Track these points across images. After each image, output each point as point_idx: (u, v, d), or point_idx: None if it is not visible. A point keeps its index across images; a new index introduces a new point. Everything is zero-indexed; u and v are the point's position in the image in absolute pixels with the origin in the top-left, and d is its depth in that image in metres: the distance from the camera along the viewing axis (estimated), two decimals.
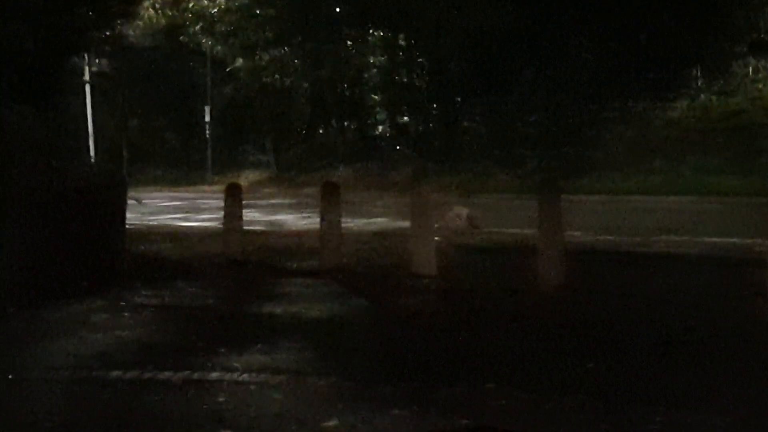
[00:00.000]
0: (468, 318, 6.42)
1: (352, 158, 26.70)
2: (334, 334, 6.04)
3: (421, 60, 27.72)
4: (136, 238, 10.33)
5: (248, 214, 10.62)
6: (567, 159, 19.66)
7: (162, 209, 17.42)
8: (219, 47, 29.43)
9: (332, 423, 3.98)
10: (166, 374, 4.80)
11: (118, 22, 17.95)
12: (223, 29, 29.08)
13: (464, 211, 12.09)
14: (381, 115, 29.48)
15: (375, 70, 28.52)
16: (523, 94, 22.20)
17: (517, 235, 10.16)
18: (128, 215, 9.38)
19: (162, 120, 31.76)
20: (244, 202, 9.82)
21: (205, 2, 29.21)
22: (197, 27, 29.55)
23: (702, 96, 23.64)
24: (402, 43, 28.12)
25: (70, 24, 12.47)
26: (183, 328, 6.27)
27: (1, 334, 6.11)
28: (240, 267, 8.98)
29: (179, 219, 15.40)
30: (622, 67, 20.28)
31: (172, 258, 9.62)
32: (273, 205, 18.20)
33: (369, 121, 29.51)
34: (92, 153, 26.96)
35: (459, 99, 26.04)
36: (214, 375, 4.79)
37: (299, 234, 11.49)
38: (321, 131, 30.59)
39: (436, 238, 8.57)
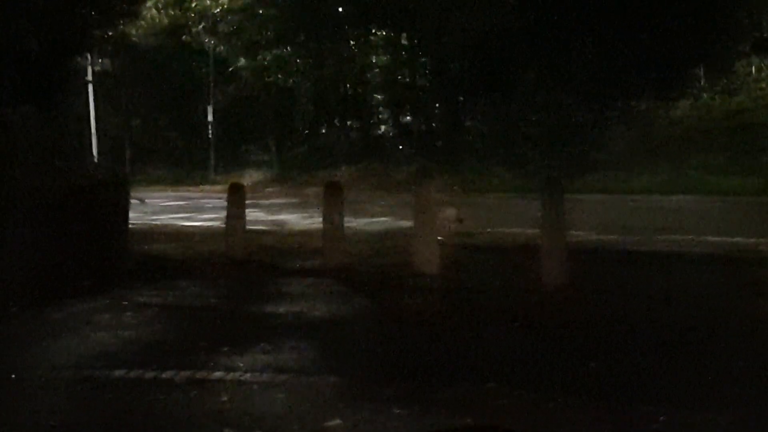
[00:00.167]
0: (470, 317, 6.43)
1: (355, 158, 26.66)
2: (336, 333, 6.04)
3: (423, 59, 27.73)
4: (139, 237, 10.33)
5: (251, 214, 10.61)
6: (569, 158, 19.62)
7: (164, 209, 17.40)
8: (221, 47, 29.46)
9: (334, 422, 3.98)
10: (169, 373, 4.80)
11: (121, 21, 17.98)
12: (225, 29, 29.13)
13: (453, 213, 11.96)
14: (384, 115, 29.51)
15: (378, 70, 28.54)
16: (525, 93, 22.21)
17: (520, 234, 10.15)
18: (131, 215, 9.40)
19: (165, 120, 31.73)
20: (246, 201, 9.81)
21: (208, 2, 29.23)
22: (200, 26, 29.62)
23: (705, 95, 23.65)
24: (405, 42, 28.15)
25: (73, 24, 12.49)
26: (186, 328, 6.28)
27: (3, 333, 6.13)
28: (243, 266, 8.97)
29: (182, 218, 15.39)
30: (624, 66, 20.26)
31: (174, 257, 9.62)
32: (276, 205, 18.18)
33: (372, 121, 29.53)
34: (95, 153, 26.95)
35: (462, 98, 26.05)
36: (217, 374, 4.79)
37: (302, 234, 11.48)
38: (324, 131, 30.58)
39: (439, 238, 8.57)
